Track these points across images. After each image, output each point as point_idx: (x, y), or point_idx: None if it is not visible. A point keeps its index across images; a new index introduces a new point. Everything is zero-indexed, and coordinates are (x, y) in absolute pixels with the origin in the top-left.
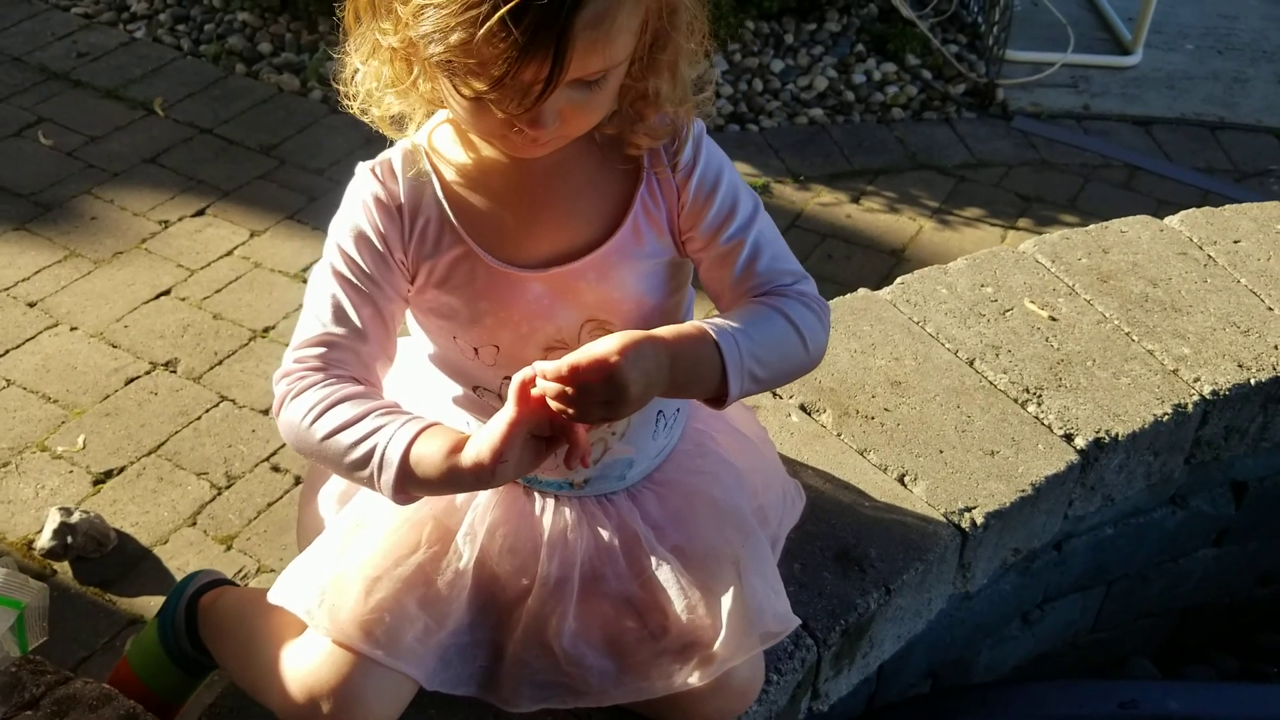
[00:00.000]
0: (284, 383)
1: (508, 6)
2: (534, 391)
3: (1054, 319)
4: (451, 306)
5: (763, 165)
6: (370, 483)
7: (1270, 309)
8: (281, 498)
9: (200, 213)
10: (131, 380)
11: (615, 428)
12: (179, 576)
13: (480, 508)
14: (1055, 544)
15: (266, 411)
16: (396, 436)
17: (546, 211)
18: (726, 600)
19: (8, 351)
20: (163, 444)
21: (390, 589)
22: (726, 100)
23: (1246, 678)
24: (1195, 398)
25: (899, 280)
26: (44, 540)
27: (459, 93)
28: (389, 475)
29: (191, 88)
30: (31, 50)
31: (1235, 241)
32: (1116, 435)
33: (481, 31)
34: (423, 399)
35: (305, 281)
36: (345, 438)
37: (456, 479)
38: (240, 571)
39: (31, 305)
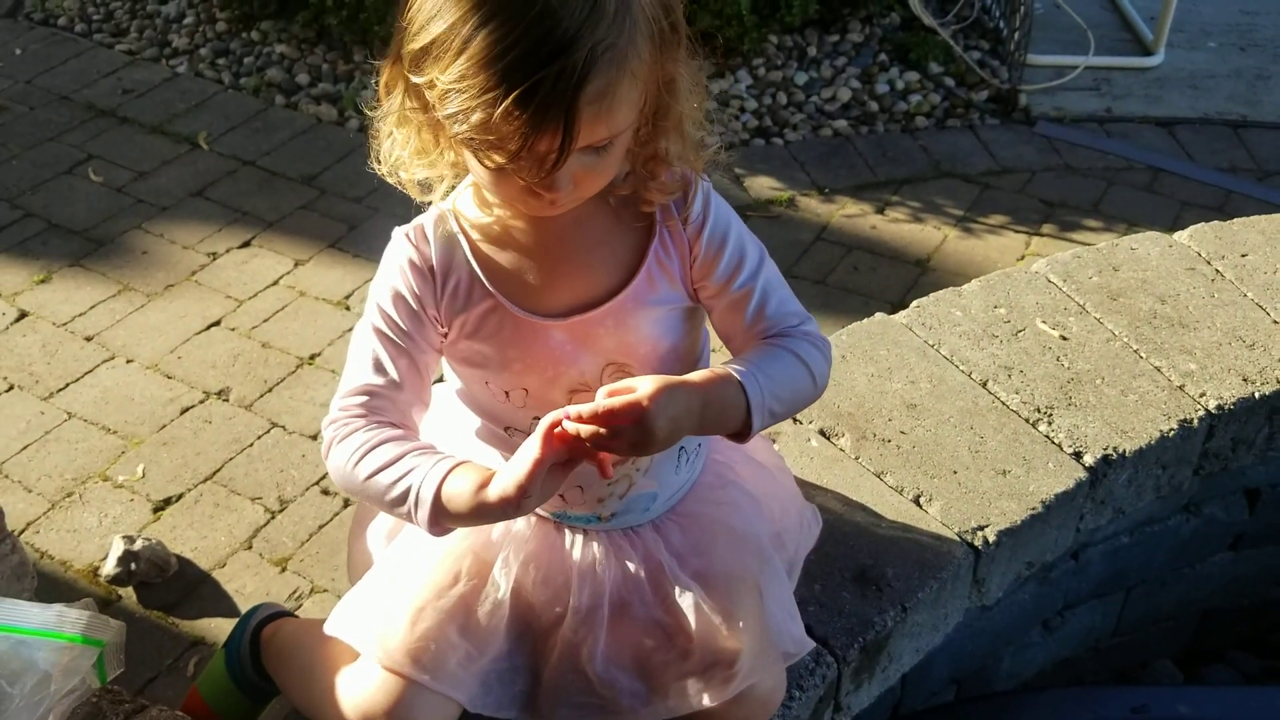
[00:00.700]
0: (330, 429)
1: (520, 89)
2: (567, 429)
3: (1065, 338)
4: (483, 355)
5: (788, 179)
6: (408, 517)
7: (1276, 322)
8: (331, 520)
9: (246, 244)
10: (186, 410)
11: (639, 464)
12: (237, 599)
13: (515, 542)
14: (1072, 553)
15: (315, 436)
16: (429, 475)
17: (566, 265)
18: (747, 623)
19: (68, 385)
20: (218, 470)
21: (434, 619)
22: (751, 115)
23: (1267, 677)
24: (1201, 413)
25: (914, 304)
26: (109, 568)
27: (482, 164)
28: (424, 511)
29: (233, 121)
30: (79, 88)
31: (1243, 255)
32: (1124, 452)
33: (498, 111)
34: (457, 438)
35: (348, 308)
36: (385, 478)
37: (485, 512)
38: (295, 592)
39: (89, 339)
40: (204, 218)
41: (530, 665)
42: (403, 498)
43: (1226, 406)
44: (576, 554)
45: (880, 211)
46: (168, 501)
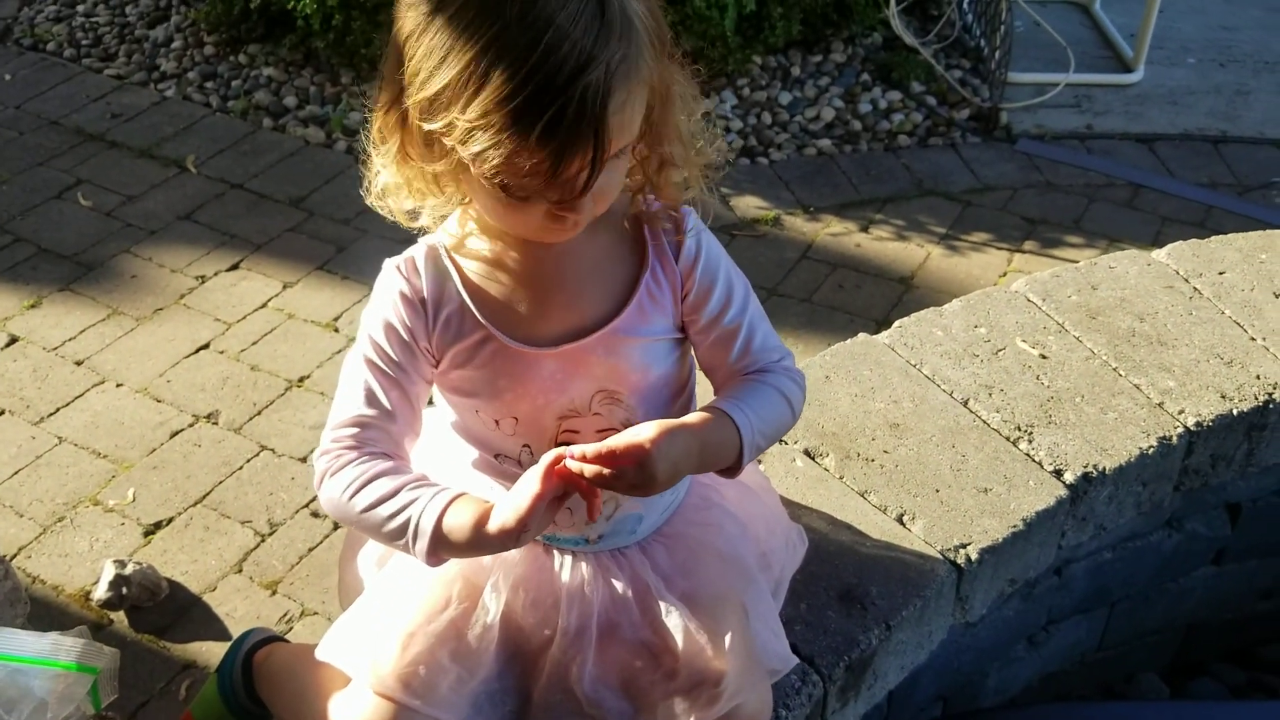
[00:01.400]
0: (323, 460)
1: (548, 115)
2: (570, 467)
3: (1044, 357)
4: (474, 384)
5: (773, 198)
6: (406, 548)
7: (1253, 339)
8: (321, 543)
9: (234, 267)
10: (176, 433)
11: None
12: (228, 623)
13: (504, 566)
14: (1055, 570)
15: (304, 459)
16: (429, 509)
17: (558, 294)
18: (732, 643)
19: (58, 410)
20: (208, 494)
21: (425, 644)
22: (736, 135)
23: (1252, 690)
24: (1179, 430)
25: (897, 324)
26: (100, 592)
27: (512, 197)
28: (423, 544)
29: (221, 144)
30: (68, 113)
31: (1220, 273)
32: (1104, 469)
33: (533, 138)
34: (447, 466)
35: (337, 330)
36: (383, 510)
37: (484, 544)
38: (285, 615)
39: (79, 364)
40: (192, 241)
41: (520, 686)
42: (401, 530)
43: (1205, 423)
44: (565, 576)
45: (864, 230)
46: (158, 525)
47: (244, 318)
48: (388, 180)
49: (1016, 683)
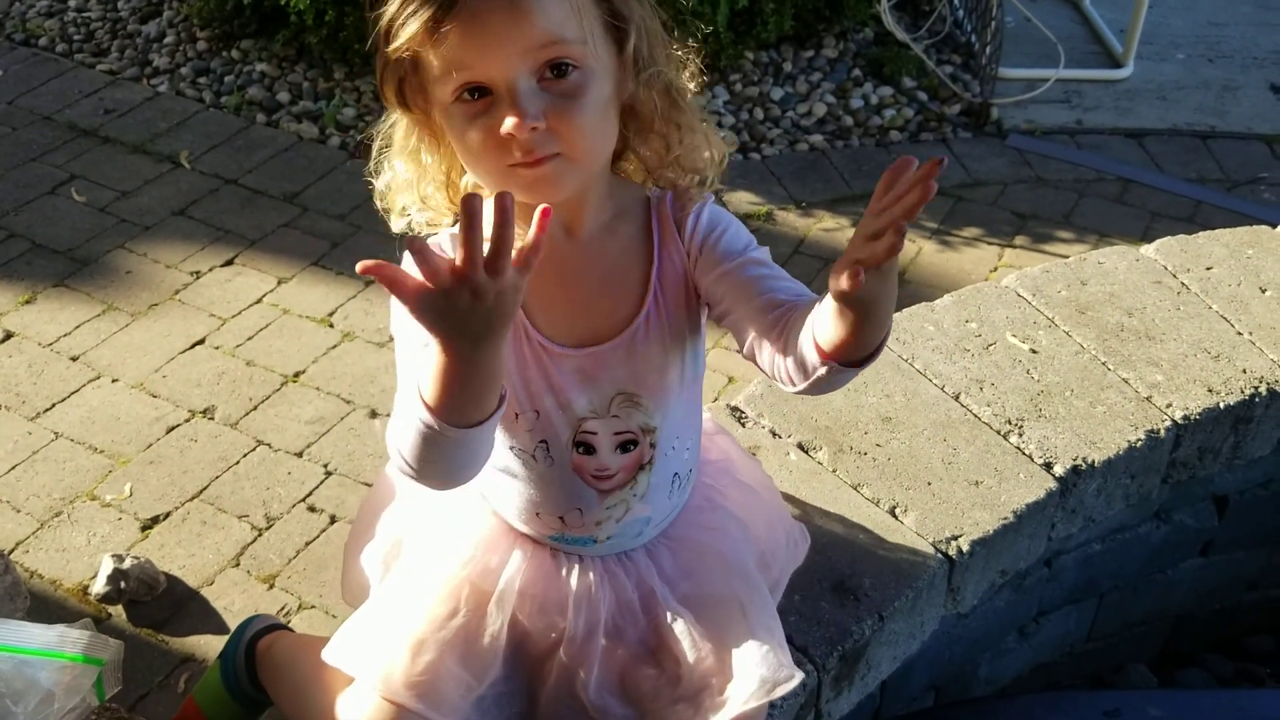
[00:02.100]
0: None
1: None
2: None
3: (1034, 351)
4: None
5: (766, 193)
6: (439, 444)
7: (1239, 334)
8: (318, 537)
9: (229, 262)
10: (172, 428)
11: (636, 489)
12: (226, 616)
13: (512, 571)
14: (1045, 561)
15: (300, 454)
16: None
17: (580, 293)
18: (735, 650)
19: (54, 405)
20: (204, 489)
21: (435, 651)
22: (729, 130)
23: (1240, 679)
24: (1167, 423)
25: None
26: (98, 586)
27: (460, 101)
28: (425, 415)
29: (215, 139)
30: (61, 108)
31: (1208, 268)
32: (1093, 462)
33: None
34: None
35: (332, 325)
36: (408, 434)
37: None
38: (283, 609)
39: (74, 359)
40: (187, 236)
41: (526, 689)
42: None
43: (1192, 416)
44: (573, 581)
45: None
46: (155, 520)
47: (239, 313)
48: (389, 182)
49: (1008, 673)
